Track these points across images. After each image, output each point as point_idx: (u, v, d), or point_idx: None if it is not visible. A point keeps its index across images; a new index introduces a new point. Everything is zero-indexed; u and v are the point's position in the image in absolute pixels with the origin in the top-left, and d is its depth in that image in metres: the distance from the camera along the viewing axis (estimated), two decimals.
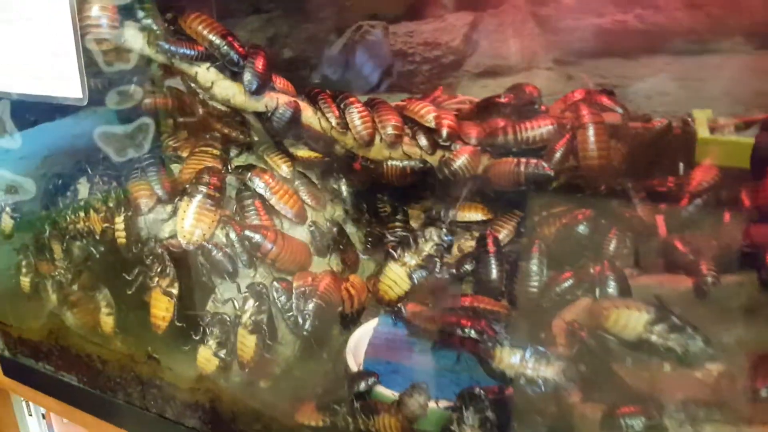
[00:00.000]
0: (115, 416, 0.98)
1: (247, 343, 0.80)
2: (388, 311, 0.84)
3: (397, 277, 0.77)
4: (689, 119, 1.03)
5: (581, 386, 0.68)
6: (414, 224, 1.06)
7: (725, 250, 0.87)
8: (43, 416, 1.25)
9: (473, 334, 0.78)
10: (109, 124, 1.12)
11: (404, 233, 1.01)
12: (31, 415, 1.24)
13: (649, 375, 0.74)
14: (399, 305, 0.82)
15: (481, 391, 0.69)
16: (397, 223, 1.05)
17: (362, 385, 0.77)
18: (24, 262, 1.04)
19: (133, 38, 0.86)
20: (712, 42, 1.07)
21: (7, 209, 1.04)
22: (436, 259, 0.77)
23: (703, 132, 0.98)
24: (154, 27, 0.86)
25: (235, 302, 0.82)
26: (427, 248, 0.76)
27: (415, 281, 0.77)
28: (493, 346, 0.68)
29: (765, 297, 0.79)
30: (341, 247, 1.00)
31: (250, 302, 0.81)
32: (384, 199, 1.08)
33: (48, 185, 1.01)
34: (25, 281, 1.04)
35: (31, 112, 1.14)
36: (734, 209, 0.91)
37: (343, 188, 1.05)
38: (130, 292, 0.88)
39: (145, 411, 0.93)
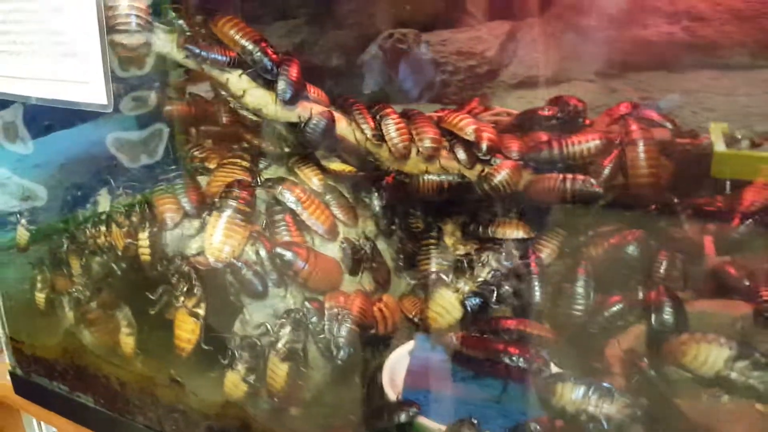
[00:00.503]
0: None
1: (278, 372, 0.75)
2: (431, 338, 0.79)
3: (448, 304, 0.72)
4: (738, 136, 0.99)
5: (644, 421, 0.63)
6: (448, 241, 1.01)
7: None
8: None
9: (522, 362, 0.74)
10: (129, 130, 1.08)
11: (444, 252, 0.97)
12: None
13: (709, 405, 0.69)
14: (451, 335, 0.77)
15: (537, 427, 0.64)
16: (431, 240, 1.00)
17: (403, 417, 0.71)
18: (39, 277, 0.99)
19: (162, 41, 0.82)
20: (762, 56, 1.03)
21: (23, 221, 0.99)
22: (493, 287, 0.71)
23: (719, 146, 0.94)
24: (185, 29, 0.81)
25: (269, 327, 0.77)
26: (483, 274, 0.70)
27: (469, 309, 0.71)
28: (554, 382, 0.62)
29: None
30: (374, 265, 0.95)
31: (287, 329, 0.76)
32: (417, 215, 1.03)
33: (66, 196, 0.97)
34: (41, 297, 0.99)
35: (46, 117, 1.10)
36: None
37: (375, 203, 0.99)
38: (153, 312, 0.83)
39: None
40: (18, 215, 1.00)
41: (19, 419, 1.18)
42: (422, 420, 0.72)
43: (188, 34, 0.82)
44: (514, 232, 0.94)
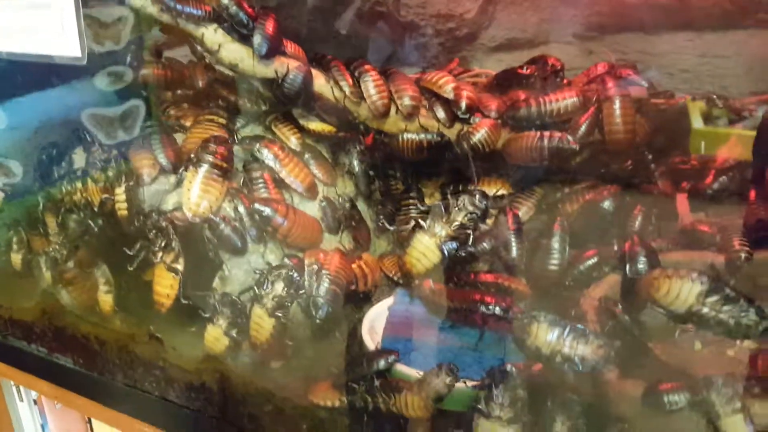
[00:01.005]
0: (115, 399, 0.92)
1: (264, 324, 0.76)
2: (407, 287, 0.80)
3: (426, 249, 0.73)
4: (714, 97, 1.01)
5: (618, 363, 0.64)
6: (428, 202, 1.02)
7: (753, 228, 0.84)
8: (35, 401, 1.20)
9: (498, 311, 0.75)
10: (105, 96, 1.07)
11: (419, 210, 0.98)
12: (22, 400, 1.18)
13: (682, 352, 0.71)
14: (420, 281, 0.79)
15: (513, 368, 0.65)
16: (411, 201, 1.01)
17: (382, 363, 0.73)
18: (15, 238, 0.98)
19: None
20: (736, 18, 1.04)
21: None
22: (469, 231, 0.72)
23: (697, 123, 0.96)
24: None
25: (260, 285, 0.77)
26: (460, 218, 0.71)
27: (446, 253, 0.72)
28: (529, 323, 0.64)
29: None
30: (353, 224, 0.96)
31: (279, 285, 0.76)
32: (396, 176, 1.03)
33: (41, 155, 0.95)
34: (16, 258, 0.98)
35: (21, 80, 1.08)
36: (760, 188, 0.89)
37: (355, 163, 1.00)
38: (131, 269, 0.83)
39: (146, 394, 0.88)
40: None
41: None
42: (401, 367, 0.73)
43: None
44: (494, 189, 0.95)
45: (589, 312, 0.74)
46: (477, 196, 0.71)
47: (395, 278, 0.94)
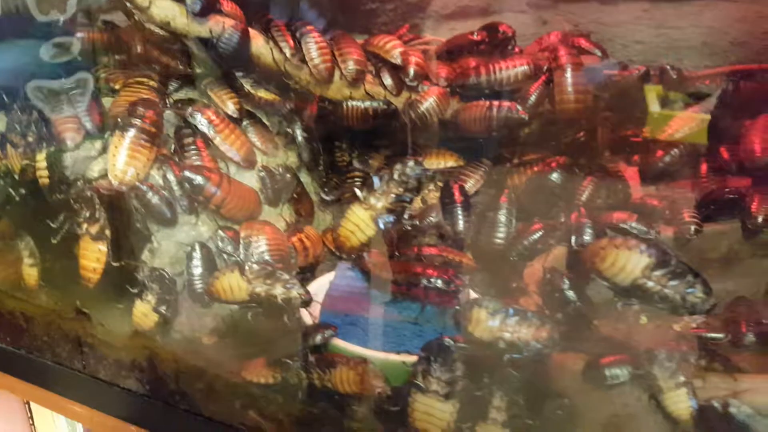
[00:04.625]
0: (43, 378, 0.88)
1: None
2: (348, 260, 0.77)
3: (360, 221, 0.69)
4: (668, 68, 1.00)
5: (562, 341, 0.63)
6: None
7: (703, 201, 0.83)
8: None
9: (440, 284, 0.73)
10: (33, 58, 0.99)
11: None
12: None
13: (628, 326, 0.70)
14: (362, 254, 0.76)
15: (451, 343, 0.63)
16: (356, 173, 0.97)
17: (318, 338, 0.70)
18: None
19: None
20: None
21: None
22: (405, 202, 0.69)
23: (653, 107, 0.94)
24: None
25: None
26: (396, 189, 0.67)
27: (381, 226, 0.69)
28: (470, 308, 0.61)
29: (745, 246, 0.76)
30: (295, 196, 0.92)
31: None
32: (341, 147, 0.99)
33: None
34: None
35: None
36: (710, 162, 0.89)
37: (298, 132, 0.95)
38: (55, 241, 0.78)
39: (75, 372, 0.84)
40: None
41: None
42: (339, 342, 0.71)
43: None
44: (443, 161, 0.93)
45: (531, 284, 0.72)
46: (409, 164, 0.68)
47: (338, 252, 0.91)
